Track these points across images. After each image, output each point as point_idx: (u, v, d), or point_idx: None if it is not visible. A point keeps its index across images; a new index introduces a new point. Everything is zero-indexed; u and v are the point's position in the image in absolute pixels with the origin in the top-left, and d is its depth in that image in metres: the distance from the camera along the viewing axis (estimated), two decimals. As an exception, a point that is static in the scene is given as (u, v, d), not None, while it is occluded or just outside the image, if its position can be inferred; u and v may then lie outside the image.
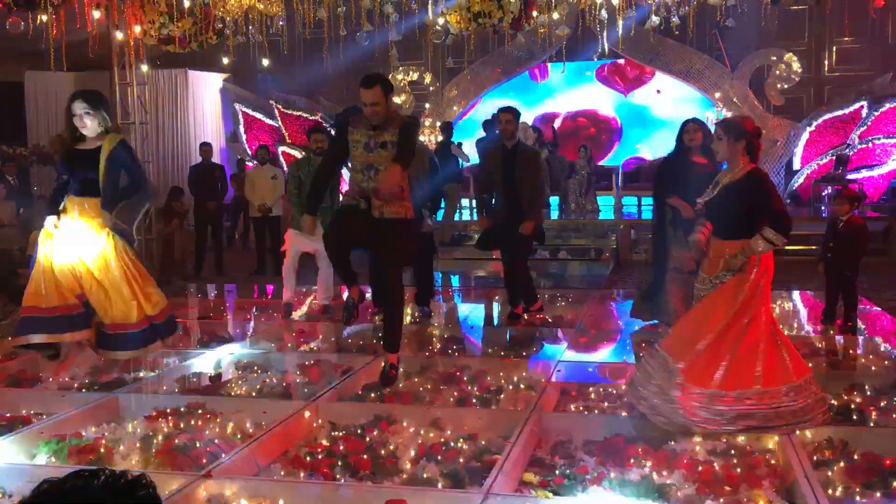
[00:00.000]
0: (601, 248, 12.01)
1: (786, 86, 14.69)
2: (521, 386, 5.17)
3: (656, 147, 15.97)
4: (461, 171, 13.35)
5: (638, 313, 6.83)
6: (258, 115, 16.31)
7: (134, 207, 5.13)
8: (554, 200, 14.19)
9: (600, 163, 16.09)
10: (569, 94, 17.46)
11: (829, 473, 3.75)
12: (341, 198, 6.17)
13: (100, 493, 1.32)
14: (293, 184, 7.34)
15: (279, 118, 16.23)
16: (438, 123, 15.06)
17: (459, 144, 13.63)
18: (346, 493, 3.61)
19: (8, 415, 4.79)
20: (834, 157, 14.18)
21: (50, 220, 4.96)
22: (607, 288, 9.57)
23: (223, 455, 3.95)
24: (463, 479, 3.73)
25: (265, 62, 12.82)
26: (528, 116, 16.13)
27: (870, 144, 14.19)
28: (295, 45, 15.30)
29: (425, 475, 3.78)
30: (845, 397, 4.85)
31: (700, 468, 3.80)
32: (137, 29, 10.22)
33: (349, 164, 5.13)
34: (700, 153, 6.16)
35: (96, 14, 9.40)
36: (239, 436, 4.36)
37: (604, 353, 6.44)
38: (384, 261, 5.10)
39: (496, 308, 8.10)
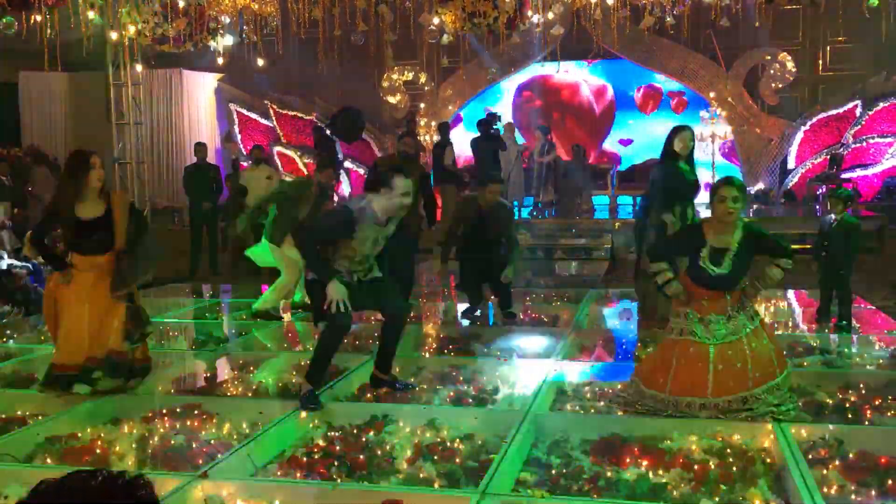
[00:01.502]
0: (596, 247, 12.03)
1: (780, 85, 14.74)
2: (517, 385, 5.18)
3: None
4: (452, 171, 13.37)
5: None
6: (253, 115, 16.29)
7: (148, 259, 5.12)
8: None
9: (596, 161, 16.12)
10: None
11: (825, 472, 3.75)
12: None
13: (98, 494, 1.32)
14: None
15: (274, 118, 16.22)
16: (434, 123, 15.06)
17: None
18: (343, 493, 3.60)
19: (3, 416, 4.78)
20: (828, 157, 14.22)
21: (64, 279, 4.90)
22: (603, 287, 9.57)
23: (219, 455, 3.95)
24: (459, 479, 3.74)
25: (260, 62, 12.81)
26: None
27: (864, 143, 14.24)
28: (290, 45, 15.30)
29: (422, 475, 3.78)
30: (840, 396, 4.86)
31: (696, 467, 3.80)
32: (132, 29, 10.20)
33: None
34: (686, 161, 6.46)
35: (91, 14, 9.39)
36: (235, 436, 4.36)
37: (600, 353, 6.44)
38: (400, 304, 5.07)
39: (490, 307, 8.10)
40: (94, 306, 4.90)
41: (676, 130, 6.52)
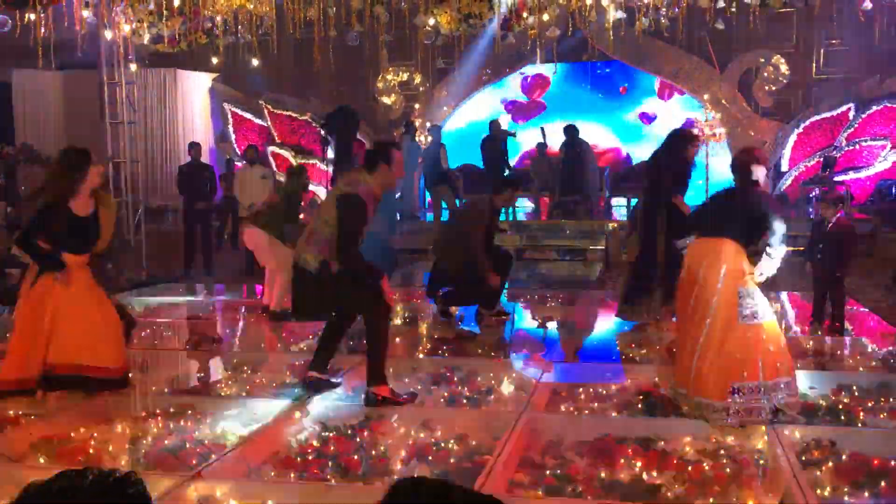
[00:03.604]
0: (591, 249, 12.04)
1: (774, 87, 14.76)
2: (512, 386, 5.18)
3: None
4: (445, 173, 13.38)
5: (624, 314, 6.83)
6: (247, 115, 16.24)
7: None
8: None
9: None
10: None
11: (818, 473, 3.76)
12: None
13: (88, 493, 1.31)
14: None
15: (268, 118, 16.18)
16: (428, 124, 15.05)
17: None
18: (337, 493, 3.60)
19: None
20: (821, 159, 14.25)
21: (62, 278, 4.83)
22: (597, 289, 9.58)
23: (213, 456, 3.94)
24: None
25: (255, 62, 12.78)
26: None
27: (857, 146, 14.27)
28: (284, 45, 15.27)
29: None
30: (833, 398, 4.87)
31: (690, 468, 3.81)
32: (126, 28, 10.17)
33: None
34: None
35: (85, 13, 9.36)
36: (229, 436, 4.35)
37: (594, 354, 6.44)
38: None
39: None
40: (91, 311, 4.92)
41: (690, 136, 6.55)
